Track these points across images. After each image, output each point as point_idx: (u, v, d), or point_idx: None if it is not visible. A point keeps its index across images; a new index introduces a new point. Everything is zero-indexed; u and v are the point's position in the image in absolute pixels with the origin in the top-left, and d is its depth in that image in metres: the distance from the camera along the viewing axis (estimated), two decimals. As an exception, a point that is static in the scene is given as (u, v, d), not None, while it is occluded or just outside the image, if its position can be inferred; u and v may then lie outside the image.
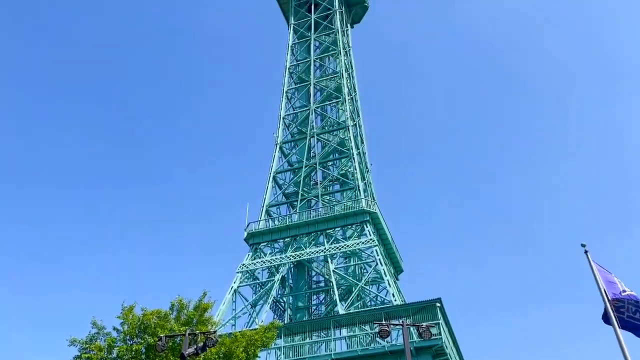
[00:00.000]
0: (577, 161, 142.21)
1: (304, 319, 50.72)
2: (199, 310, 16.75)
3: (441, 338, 37.93)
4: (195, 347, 14.76)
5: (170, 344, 15.45)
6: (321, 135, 63.06)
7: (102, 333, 16.38)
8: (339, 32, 69.05)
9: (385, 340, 41.13)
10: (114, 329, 16.61)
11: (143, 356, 15.68)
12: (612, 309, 16.19)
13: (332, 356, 40.52)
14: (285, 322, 52.24)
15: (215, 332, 15.42)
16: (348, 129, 60.83)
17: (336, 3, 71.38)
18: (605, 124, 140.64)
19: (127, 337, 15.89)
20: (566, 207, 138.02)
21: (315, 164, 59.87)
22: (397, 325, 15.81)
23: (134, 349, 15.67)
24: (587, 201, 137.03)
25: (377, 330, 43.15)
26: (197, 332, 15.46)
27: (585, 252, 17.40)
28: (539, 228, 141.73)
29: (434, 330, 36.39)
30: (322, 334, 45.06)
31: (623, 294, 16.89)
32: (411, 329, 39.48)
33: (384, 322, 16.03)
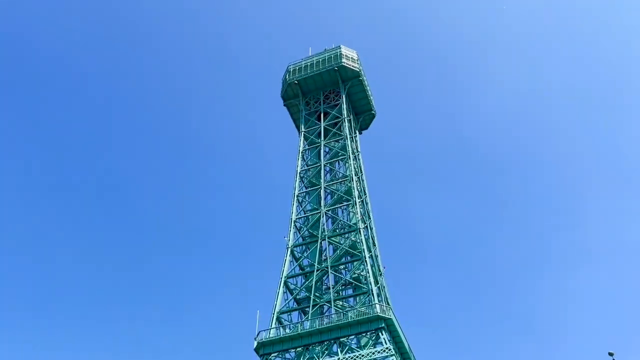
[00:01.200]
0: (602, 265, 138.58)
1: None
2: None
3: None
4: None
5: None
6: (332, 238, 62.64)
7: None
8: (348, 138, 71.21)
9: None
10: None
11: None
12: None
13: None
14: None
15: None
16: (359, 231, 60.48)
17: (344, 112, 74.44)
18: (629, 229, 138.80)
19: None
20: (592, 314, 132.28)
21: (327, 267, 58.84)
22: None
23: None
24: (613, 307, 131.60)
25: None
26: None
27: (616, 361, 16.20)
28: (562, 336, 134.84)
29: None
30: None
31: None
32: None
33: None
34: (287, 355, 53.05)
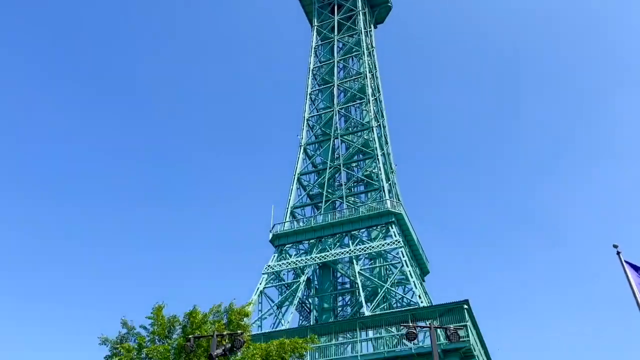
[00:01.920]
0: (607, 161, 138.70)
1: (330, 320, 50.66)
2: (239, 316, 16.88)
3: (469, 340, 37.41)
4: (223, 348, 14.88)
5: (204, 345, 15.56)
6: (345, 137, 62.97)
7: (131, 333, 16.61)
8: (362, 32, 68.87)
9: (412, 342, 40.84)
10: (142, 326, 16.82)
11: (172, 357, 15.85)
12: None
13: (359, 358, 40.40)
14: (311, 323, 52.30)
15: (242, 333, 15.48)
16: (372, 129, 60.61)
17: (359, 4, 71.19)
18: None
19: (157, 337, 16.08)
20: (598, 207, 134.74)
21: (340, 165, 59.81)
22: (424, 327, 15.59)
23: (161, 349, 15.86)
24: (620, 200, 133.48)
25: (404, 332, 42.91)
26: (225, 333, 15.58)
27: (618, 253, 16.90)
28: (571, 229, 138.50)
29: (461, 333, 36.00)
30: (348, 335, 44.90)
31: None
32: (438, 330, 39.15)
33: (411, 324, 15.85)
34: (301, 247, 55.77)
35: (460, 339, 37.03)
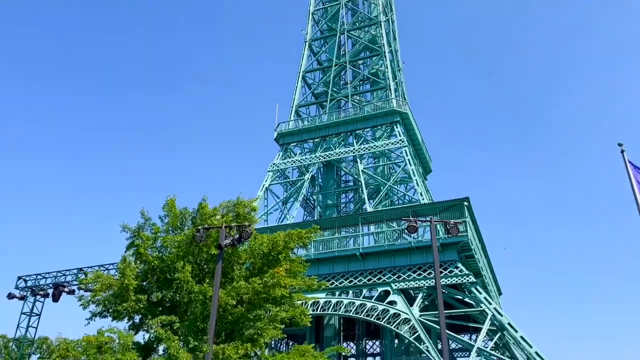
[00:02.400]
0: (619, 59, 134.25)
1: (333, 216, 52.36)
2: (246, 208, 17.46)
3: (467, 235, 38.90)
4: (231, 238, 15.60)
5: (213, 236, 16.26)
6: (352, 32, 60.78)
7: (148, 224, 17.35)
8: None
9: (412, 236, 42.53)
10: (160, 217, 17.57)
11: (184, 247, 16.66)
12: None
13: (360, 250, 42.30)
14: (315, 218, 54.18)
15: (249, 225, 16.13)
16: (380, 24, 58.33)
17: None
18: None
19: (170, 228, 16.84)
20: (605, 107, 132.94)
21: (345, 62, 58.37)
22: (425, 221, 16.18)
23: (178, 238, 16.65)
24: (627, 100, 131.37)
25: (404, 226, 44.52)
26: (233, 225, 16.22)
27: (622, 151, 17.04)
28: (577, 130, 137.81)
29: (460, 228, 37.40)
30: (351, 230, 46.73)
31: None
32: (438, 225, 40.63)
33: (412, 218, 16.45)
34: (306, 146, 56.18)
35: (459, 234, 38.59)
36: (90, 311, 16.01)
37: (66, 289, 30.83)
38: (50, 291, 31.53)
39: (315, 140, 55.09)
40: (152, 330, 15.02)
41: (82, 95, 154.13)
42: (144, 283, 16.69)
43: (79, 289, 30.41)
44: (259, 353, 16.50)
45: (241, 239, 15.51)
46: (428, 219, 16.64)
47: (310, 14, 62.18)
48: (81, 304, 15.86)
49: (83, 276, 29.88)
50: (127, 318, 16.00)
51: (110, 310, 15.56)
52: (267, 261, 16.35)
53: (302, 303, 18.10)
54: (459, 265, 38.88)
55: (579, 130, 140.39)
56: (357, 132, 53.61)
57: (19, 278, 34.13)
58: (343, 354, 45.12)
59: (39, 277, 33.11)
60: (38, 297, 32.72)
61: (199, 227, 15.83)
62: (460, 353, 48.35)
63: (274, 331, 15.65)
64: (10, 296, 32.72)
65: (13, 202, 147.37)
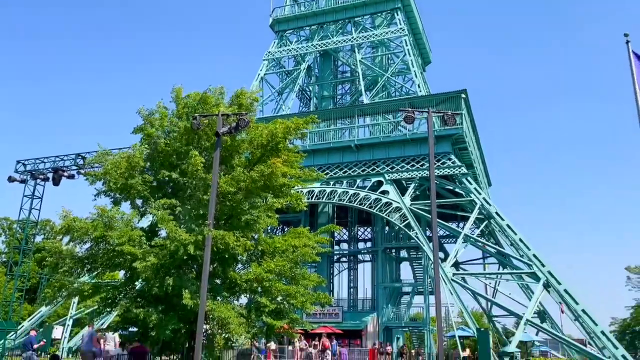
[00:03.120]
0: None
1: (330, 107, 52.04)
2: (249, 99, 17.30)
3: (462, 127, 39.11)
4: (229, 127, 15.62)
5: (213, 125, 16.29)
6: None
7: (159, 110, 17.33)
8: None
9: (407, 128, 42.73)
10: (163, 107, 17.51)
11: (184, 134, 16.77)
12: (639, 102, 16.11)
13: (355, 142, 42.68)
14: (311, 109, 53.87)
15: (246, 113, 16.08)
16: None
17: None
18: None
19: (177, 116, 16.87)
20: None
21: (345, -58, 54.41)
22: (423, 111, 16.18)
23: (180, 125, 16.68)
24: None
25: (400, 118, 44.52)
26: (230, 113, 16.17)
27: (627, 42, 16.59)
28: (584, 15, 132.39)
29: (457, 119, 37.50)
30: (347, 121, 46.78)
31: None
32: (433, 118, 40.63)
33: (409, 109, 16.43)
34: (302, 33, 54.25)
35: (455, 126, 38.77)
36: (96, 188, 16.45)
37: (66, 174, 31.33)
38: (50, 175, 32.05)
39: (312, 27, 53.08)
40: (154, 212, 15.54)
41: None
42: (149, 164, 17.00)
43: (79, 173, 30.98)
44: (256, 237, 17.27)
45: (238, 127, 15.53)
46: (426, 109, 16.62)
47: None
48: (87, 179, 16.25)
49: (82, 161, 30.30)
50: (130, 200, 16.52)
51: (116, 187, 15.93)
52: (265, 151, 16.55)
53: (299, 190, 18.68)
54: (452, 157, 39.53)
55: (585, 12, 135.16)
56: (356, 19, 51.54)
57: (18, 162, 34.49)
58: (336, 232, 46.92)
59: (37, 161, 33.45)
60: (38, 180, 33.33)
61: (195, 115, 15.80)
62: (448, 240, 50.81)
63: (269, 219, 16.22)
64: (11, 179, 33.25)
65: (11, 90, 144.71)
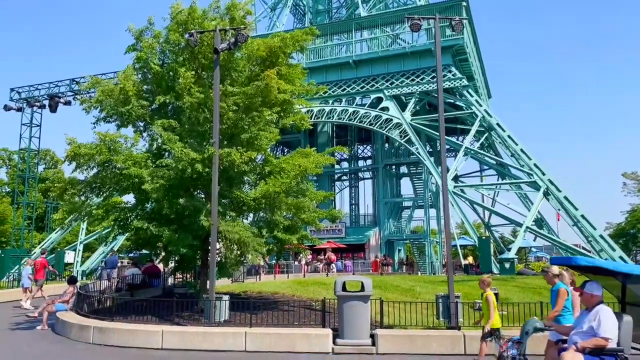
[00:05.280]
0: None
1: (325, 22, 50.20)
2: (241, 12, 16.43)
3: (463, 38, 38.02)
4: (227, 42, 15.06)
5: (207, 41, 15.67)
6: None
7: (150, 28, 16.51)
8: None
9: (407, 41, 41.53)
10: (165, 22, 16.65)
11: (181, 53, 16.17)
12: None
13: (353, 58, 41.64)
14: (306, 26, 52.00)
15: (245, 28, 15.43)
16: None
17: None
18: None
19: (171, 32, 16.07)
20: None
21: None
22: (429, 18, 15.57)
23: (175, 43, 16.04)
24: None
25: (399, 31, 43.10)
26: (227, 28, 15.53)
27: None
28: None
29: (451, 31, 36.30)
30: (344, 37, 45.35)
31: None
32: (433, 29, 39.37)
33: (415, 16, 15.78)
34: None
35: (454, 37, 37.65)
36: (94, 116, 16.10)
37: (62, 100, 30.75)
38: (46, 102, 31.44)
39: None
40: (157, 134, 15.35)
41: None
42: (145, 87, 16.51)
43: (75, 99, 30.35)
44: (262, 157, 17.17)
45: (237, 42, 14.98)
46: (432, 17, 16.00)
47: None
48: (84, 108, 15.88)
49: (77, 87, 29.57)
50: (131, 125, 16.26)
51: (114, 113, 15.59)
52: (264, 67, 16.02)
53: (307, 110, 18.36)
54: (453, 69, 38.77)
55: None
56: None
57: (12, 90, 33.66)
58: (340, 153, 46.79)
59: (32, 88, 32.68)
60: (35, 108, 32.76)
61: (192, 31, 15.16)
62: (448, 153, 51.06)
63: (270, 134, 16.00)
64: (7, 108, 32.60)
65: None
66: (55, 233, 41.78)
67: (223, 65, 15.84)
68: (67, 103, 30.80)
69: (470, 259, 36.64)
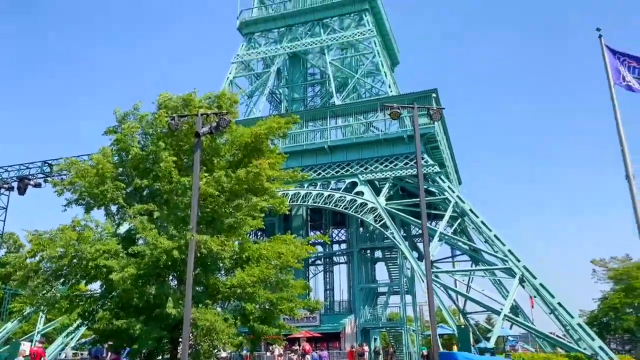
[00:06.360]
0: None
1: (300, 110, 51.75)
2: (229, 101, 16.79)
3: (433, 126, 39.43)
4: (209, 126, 15.15)
5: (192, 126, 15.76)
6: None
7: (135, 113, 16.56)
8: None
9: (380, 129, 42.88)
10: (140, 118, 16.70)
11: (165, 138, 16.17)
12: (613, 94, 16.55)
13: (328, 143, 42.52)
14: (282, 112, 53.43)
15: (227, 113, 15.63)
16: None
17: None
18: None
19: (157, 118, 16.13)
20: None
21: (311, -55, 54.36)
22: (408, 107, 16.09)
23: (159, 127, 16.04)
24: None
25: (372, 119, 44.56)
26: (209, 112, 15.70)
27: (600, 36, 17.02)
28: (554, 16, 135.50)
29: (426, 120, 37.77)
30: (319, 123, 46.56)
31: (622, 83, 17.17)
32: (406, 119, 40.96)
33: (394, 104, 16.32)
34: (271, 36, 53.83)
35: (426, 125, 39.07)
36: (66, 198, 15.61)
37: (32, 182, 29.98)
38: (15, 184, 30.59)
39: (281, 29, 52.74)
40: (130, 219, 14.90)
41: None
42: (120, 170, 16.25)
43: (46, 181, 29.59)
44: (240, 242, 16.78)
45: (219, 127, 15.09)
46: (410, 106, 16.55)
47: None
48: (56, 191, 15.40)
49: (48, 169, 28.99)
50: (103, 207, 15.79)
51: (87, 195, 15.16)
52: (247, 152, 16.14)
53: (282, 193, 18.30)
54: (425, 156, 39.82)
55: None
56: (325, 21, 51.47)
57: (-21, 171, 32.78)
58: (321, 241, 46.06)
59: (1, 170, 31.91)
60: (3, 190, 31.78)
61: (174, 115, 15.26)
62: (421, 239, 51.14)
63: (254, 221, 15.79)
64: (-27, 190, 31.58)
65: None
66: (11, 322, 39.11)
67: (205, 149, 15.85)
68: (37, 185, 30.04)
69: (455, 348, 35.49)
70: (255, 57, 51.77)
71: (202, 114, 15.30)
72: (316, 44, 50.39)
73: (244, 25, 52.77)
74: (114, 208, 16.31)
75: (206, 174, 15.09)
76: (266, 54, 51.25)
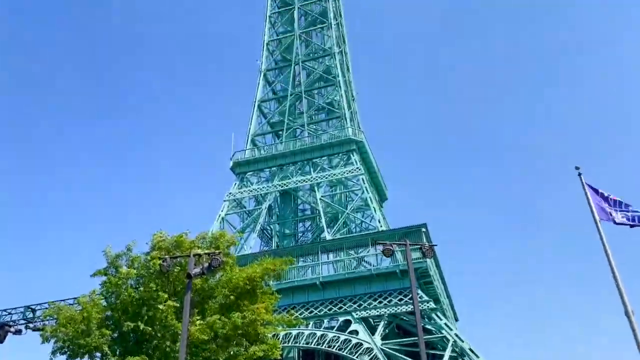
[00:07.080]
0: (571, 89, 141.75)
1: (291, 245, 51.83)
2: (227, 243, 16.89)
3: (426, 262, 39.28)
4: (201, 267, 14.99)
5: (183, 266, 15.59)
6: (306, 63, 61.65)
7: (129, 254, 16.40)
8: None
9: (371, 264, 42.63)
10: (130, 260, 16.59)
11: (155, 279, 15.88)
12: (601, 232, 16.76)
13: (320, 279, 41.87)
14: (273, 248, 53.38)
15: (219, 253, 15.57)
16: (334, 55, 59.47)
17: None
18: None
19: (150, 260, 15.96)
20: (560, 131, 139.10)
21: (301, 92, 58.93)
22: (400, 244, 16.19)
23: (152, 264, 15.81)
24: (581, 125, 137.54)
25: (363, 254, 44.45)
26: (201, 252, 15.63)
27: (579, 174, 17.73)
28: (532, 153, 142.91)
29: (418, 254, 37.78)
30: (309, 259, 46.27)
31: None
32: (397, 253, 40.95)
33: (387, 242, 16.43)
34: (262, 175, 55.78)
35: (419, 259, 38.93)
36: (53, 348, 14.75)
37: (12, 329, 28.49)
38: (-6, 332, 29.01)
39: (272, 169, 54.83)
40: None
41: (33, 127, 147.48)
42: (108, 314, 15.65)
43: (27, 328, 28.18)
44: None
45: (211, 267, 14.94)
46: (403, 241, 16.66)
47: (265, 44, 62.70)
48: (42, 342, 14.62)
49: (31, 314, 27.84)
50: (88, 356, 14.90)
51: (71, 346, 14.37)
52: (241, 295, 15.80)
53: (276, 336, 17.56)
54: (419, 291, 39.08)
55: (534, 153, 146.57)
56: (314, 160, 53.80)
57: (-44, 319, 31.30)
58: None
59: (-21, 316, 30.55)
60: (-21, 338, 30.05)
61: (165, 257, 15.15)
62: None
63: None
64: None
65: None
66: None
67: (197, 291, 15.51)
68: (18, 332, 28.51)
69: None
70: (247, 195, 53.07)
71: (194, 255, 15.23)
72: (307, 181, 52.12)
73: (237, 166, 54.85)
74: (97, 356, 15.42)
75: (198, 317, 14.56)
76: (258, 191, 52.66)
